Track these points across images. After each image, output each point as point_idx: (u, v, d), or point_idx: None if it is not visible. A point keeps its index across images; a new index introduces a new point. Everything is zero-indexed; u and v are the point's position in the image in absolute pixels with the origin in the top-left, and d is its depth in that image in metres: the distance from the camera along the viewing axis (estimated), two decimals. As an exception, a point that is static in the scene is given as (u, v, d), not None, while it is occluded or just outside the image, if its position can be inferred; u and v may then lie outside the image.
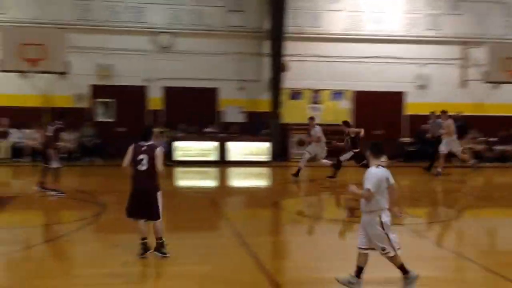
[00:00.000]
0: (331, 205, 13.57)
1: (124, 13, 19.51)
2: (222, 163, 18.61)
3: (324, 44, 20.66)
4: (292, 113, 20.65)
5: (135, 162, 7.59)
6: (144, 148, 7.64)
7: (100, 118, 19.52)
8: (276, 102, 20.07)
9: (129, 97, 19.29)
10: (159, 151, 7.66)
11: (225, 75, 20.01)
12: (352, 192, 6.38)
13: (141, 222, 7.73)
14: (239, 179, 17.62)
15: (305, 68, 20.44)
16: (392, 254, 6.29)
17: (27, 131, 18.47)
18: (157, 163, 7.58)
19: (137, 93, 19.55)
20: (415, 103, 21.15)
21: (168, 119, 19.31)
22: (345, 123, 15.63)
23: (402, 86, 21.15)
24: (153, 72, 19.65)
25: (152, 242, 7.76)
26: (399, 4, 21.17)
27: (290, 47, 19.90)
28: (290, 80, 20.24)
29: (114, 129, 19.06)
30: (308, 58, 20.42)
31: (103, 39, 19.26)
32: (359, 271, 6.37)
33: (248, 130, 19.81)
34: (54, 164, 12.17)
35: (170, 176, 16.47)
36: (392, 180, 6.36)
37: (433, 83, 21.21)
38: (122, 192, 11.79)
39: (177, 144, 18.60)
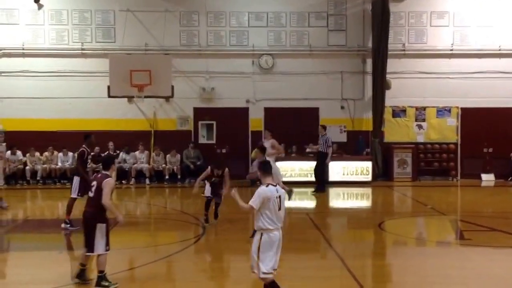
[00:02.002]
0: (435, 226, 12.84)
1: (227, 37, 19.99)
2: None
3: (428, 60, 20.02)
4: (395, 131, 20.11)
5: None
6: None
7: (203, 140, 19.93)
8: (378, 121, 19.62)
9: (230, 119, 19.60)
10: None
11: (326, 95, 19.90)
12: (233, 197, 6.51)
13: None
14: (340, 200, 17.25)
15: (408, 85, 19.90)
16: (257, 275, 6.37)
17: (134, 153, 19.23)
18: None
19: (238, 115, 19.84)
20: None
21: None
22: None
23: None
24: (254, 93, 19.94)
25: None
26: (507, 17, 20.05)
27: (393, 65, 19.50)
28: (393, 98, 19.83)
29: (216, 150, 19.38)
30: (412, 75, 19.88)
31: (206, 63, 19.84)
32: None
33: (350, 150, 19.42)
34: None
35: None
36: (283, 203, 6.47)
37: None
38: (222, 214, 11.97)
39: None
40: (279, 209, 6.42)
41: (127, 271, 8.43)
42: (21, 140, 18.61)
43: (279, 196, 6.44)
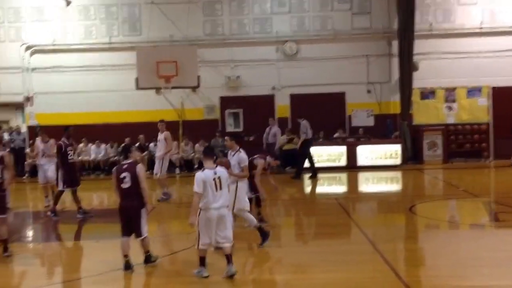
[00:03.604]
0: (468, 208, 12.53)
1: (250, 25, 19.84)
2: (352, 168, 18.14)
3: (457, 40, 19.52)
4: (424, 113, 19.73)
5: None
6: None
7: (230, 129, 19.88)
8: (406, 103, 19.24)
9: (257, 107, 19.48)
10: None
11: (352, 79, 19.58)
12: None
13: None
14: (369, 184, 17.01)
15: (436, 66, 19.41)
16: (196, 247, 7.25)
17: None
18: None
19: (264, 102, 19.73)
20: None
21: (295, 126, 19.16)
22: None
23: (546, 79, 19.32)
24: (279, 80, 19.77)
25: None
26: (538, -8, 19.40)
27: (420, 46, 19.06)
28: (421, 80, 19.39)
29: (243, 138, 19.21)
30: (440, 56, 19.39)
31: (231, 51, 19.73)
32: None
33: (377, 134, 19.13)
34: None
35: (298, 182, 16.33)
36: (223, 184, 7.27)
37: None
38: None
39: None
40: (217, 189, 7.16)
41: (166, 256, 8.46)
42: (55, 134, 18.73)
43: (219, 177, 7.20)
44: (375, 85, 19.77)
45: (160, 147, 13.52)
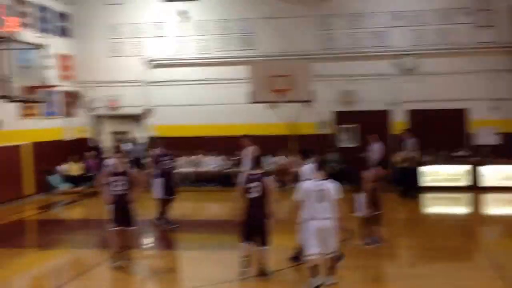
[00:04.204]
0: None
1: (366, 39, 19.80)
2: (475, 188, 17.36)
3: None
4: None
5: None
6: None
7: (343, 144, 19.66)
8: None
9: (372, 122, 19.22)
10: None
11: (476, 95, 18.84)
12: None
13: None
14: (495, 206, 16.10)
15: None
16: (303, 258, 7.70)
17: (274, 158, 19.44)
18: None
19: (380, 118, 19.49)
20: None
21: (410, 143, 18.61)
22: None
23: None
24: (396, 95, 19.47)
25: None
26: None
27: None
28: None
29: (356, 154, 18.95)
30: None
31: (346, 66, 19.77)
32: None
33: (504, 153, 18.05)
34: None
35: (417, 202, 15.78)
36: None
37: None
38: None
39: (424, 169, 17.82)
40: (321, 201, 7.40)
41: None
42: (172, 145, 19.52)
43: (323, 190, 7.46)
44: (501, 101, 18.77)
45: (246, 162, 13.63)
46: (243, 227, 8.12)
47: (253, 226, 8.02)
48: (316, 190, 7.44)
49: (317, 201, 7.41)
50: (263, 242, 8.07)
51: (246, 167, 13.67)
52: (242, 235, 8.17)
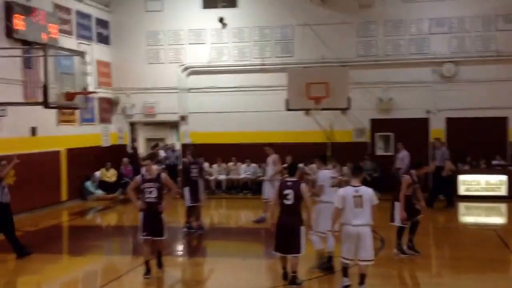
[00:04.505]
0: None
1: (406, 46, 19.80)
2: (513, 198, 16.87)
3: None
4: None
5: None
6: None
7: (380, 152, 19.45)
8: None
9: (409, 130, 18.99)
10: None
11: (516, 103, 18.31)
12: None
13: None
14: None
15: None
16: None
17: (311, 166, 19.29)
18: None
19: (418, 126, 19.29)
20: None
21: (451, 151, 18.26)
22: None
23: None
24: (435, 103, 19.31)
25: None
26: None
27: None
28: None
29: (393, 163, 18.73)
30: None
31: (384, 73, 19.73)
32: None
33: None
34: None
35: (454, 211, 15.49)
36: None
37: None
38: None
39: (462, 177, 17.56)
40: (357, 207, 7.61)
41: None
42: (208, 152, 19.71)
43: (360, 196, 7.64)
44: (542, 109, 18.32)
45: (269, 170, 14.12)
46: (277, 235, 8.21)
47: (287, 233, 8.07)
48: (352, 196, 7.64)
49: (354, 207, 7.61)
50: (296, 249, 8.11)
51: (267, 175, 13.89)
52: (276, 243, 8.24)
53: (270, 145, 14.46)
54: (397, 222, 10.17)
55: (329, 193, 8.79)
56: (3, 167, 10.60)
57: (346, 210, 7.63)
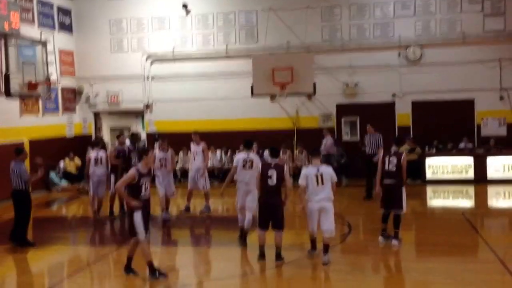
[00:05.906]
0: None
1: (371, 30, 19.55)
2: (480, 181, 17.14)
3: None
4: None
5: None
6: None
7: (346, 137, 19.58)
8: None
9: (375, 114, 18.99)
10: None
11: (482, 85, 18.63)
12: None
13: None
14: (500, 199, 15.92)
15: None
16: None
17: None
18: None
19: (384, 110, 19.29)
20: None
21: (417, 135, 18.48)
22: None
23: None
24: (400, 87, 19.28)
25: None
26: None
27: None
28: None
29: (359, 148, 18.84)
30: None
31: (349, 57, 19.55)
32: None
33: (510, 144, 17.89)
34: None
35: (421, 195, 15.66)
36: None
37: None
38: (368, 214, 11.58)
39: (428, 161, 17.69)
40: (318, 184, 8.50)
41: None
42: (173, 141, 19.46)
43: (321, 174, 8.58)
44: (509, 91, 18.55)
45: (198, 159, 14.01)
46: (261, 213, 8.79)
47: (271, 211, 8.69)
48: (314, 174, 8.50)
49: (316, 184, 8.47)
50: (279, 226, 8.73)
51: (198, 165, 13.90)
52: (260, 221, 8.81)
53: (197, 133, 14.44)
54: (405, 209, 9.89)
55: (241, 174, 9.99)
56: None
57: (309, 188, 8.51)
